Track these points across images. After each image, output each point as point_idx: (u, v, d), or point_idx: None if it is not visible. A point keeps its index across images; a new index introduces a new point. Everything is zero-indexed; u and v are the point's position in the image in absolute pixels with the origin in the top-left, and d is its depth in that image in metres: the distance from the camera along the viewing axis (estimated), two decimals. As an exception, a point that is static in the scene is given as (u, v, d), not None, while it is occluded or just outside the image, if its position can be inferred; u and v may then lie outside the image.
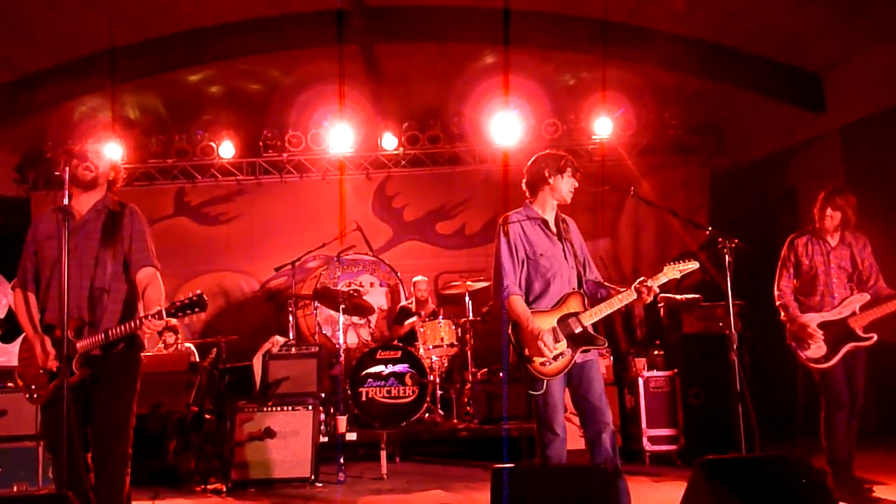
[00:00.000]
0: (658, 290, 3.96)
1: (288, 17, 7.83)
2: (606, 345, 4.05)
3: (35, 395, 3.74)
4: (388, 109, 9.58)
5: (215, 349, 7.16)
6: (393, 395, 7.26)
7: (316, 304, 8.31)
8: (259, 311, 9.81)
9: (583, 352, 3.94)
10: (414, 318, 8.09)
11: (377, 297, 9.36)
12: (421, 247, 9.94)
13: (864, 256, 5.23)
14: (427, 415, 7.37)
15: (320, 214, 9.63)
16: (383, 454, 6.70)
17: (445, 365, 7.77)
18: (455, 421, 7.45)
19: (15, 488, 6.10)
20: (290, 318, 8.09)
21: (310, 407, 6.40)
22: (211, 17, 7.76)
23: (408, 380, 7.28)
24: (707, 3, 7.41)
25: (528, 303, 4.03)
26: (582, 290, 4.06)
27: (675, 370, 6.99)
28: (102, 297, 3.73)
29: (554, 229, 4.16)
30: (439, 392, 7.52)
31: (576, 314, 3.96)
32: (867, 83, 7.69)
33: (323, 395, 6.97)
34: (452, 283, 8.10)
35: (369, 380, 7.29)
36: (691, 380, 6.86)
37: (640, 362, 7.16)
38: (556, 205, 4.21)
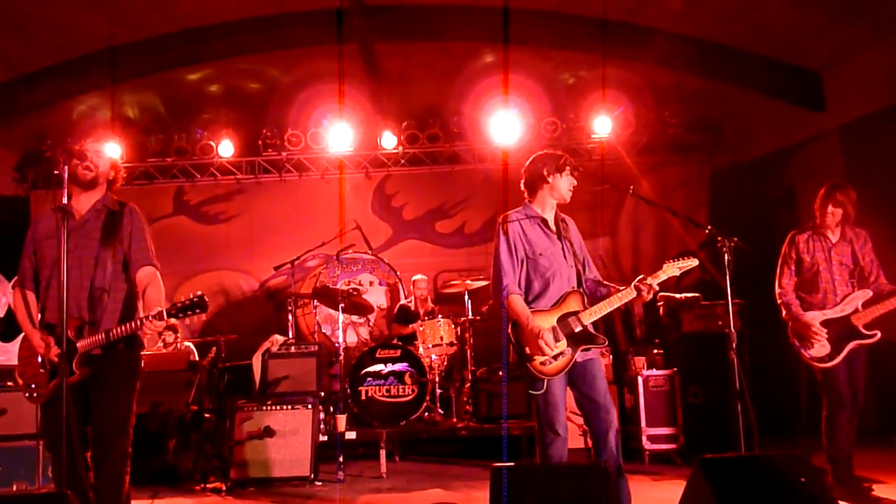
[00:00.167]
0: (658, 288, 3.95)
1: (287, 16, 7.82)
2: (606, 343, 4.04)
3: (35, 395, 3.74)
4: (388, 108, 9.57)
5: (215, 348, 7.15)
6: (392, 393, 7.26)
7: (315, 302, 8.30)
8: (258, 310, 9.81)
9: (583, 350, 3.94)
10: (417, 322, 8.08)
11: (376, 296, 9.36)
12: (420, 246, 9.94)
13: (865, 252, 5.19)
14: (426, 414, 7.37)
15: (319, 213, 9.63)
16: (383, 453, 6.70)
17: (445, 364, 7.77)
18: (454, 420, 7.44)
19: (14, 487, 6.10)
20: (290, 316, 8.10)
21: (309, 406, 6.40)
22: (210, 15, 7.76)
23: (407, 379, 7.28)
24: (706, 1, 7.41)
25: (528, 302, 4.03)
26: (581, 289, 4.05)
27: (675, 369, 6.99)
28: (102, 297, 3.73)
29: (553, 228, 4.15)
30: (439, 391, 7.52)
31: (575, 313, 3.96)
32: (867, 82, 7.69)
33: (322, 393, 6.98)
34: (452, 282, 8.09)
35: (369, 378, 7.30)
36: (691, 378, 6.87)
37: (640, 361, 7.16)
38: (556, 204, 4.21)
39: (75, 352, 3.59)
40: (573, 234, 4.23)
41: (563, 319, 3.94)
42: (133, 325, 3.64)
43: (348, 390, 7.27)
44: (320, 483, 6.22)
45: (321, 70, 8.45)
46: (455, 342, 7.60)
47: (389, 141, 9.56)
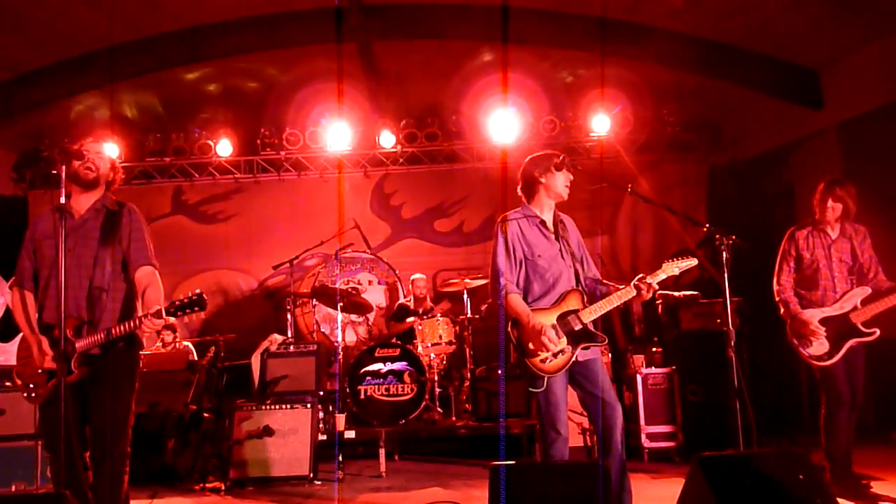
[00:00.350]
0: (657, 287, 3.96)
1: (285, 15, 7.81)
2: (606, 341, 4.04)
3: (33, 395, 3.74)
4: (386, 107, 9.57)
5: (213, 347, 7.16)
6: (391, 392, 7.26)
7: (314, 302, 8.30)
8: (257, 310, 9.81)
9: (583, 349, 3.94)
10: (414, 319, 8.09)
11: (375, 295, 9.35)
12: (419, 244, 9.95)
13: (864, 248, 5.15)
14: (426, 413, 7.37)
15: (318, 212, 9.64)
16: (382, 452, 6.70)
17: (444, 363, 7.77)
18: (454, 419, 7.45)
19: (13, 487, 6.10)
20: (289, 316, 8.09)
21: (308, 405, 6.40)
22: (208, 14, 7.75)
23: (406, 378, 7.28)
24: (704, 0, 7.41)
25: (528, 303, 4.04)
26: (581, 288, 4.06)
27: (674, 367, 7.00)
28: (101, 297, 3.73)
29: (551, 229, 4.16)
30: (438, 390, 7.52)
31: (575, 311, 3.96)
32: (864, 79, 7.69)
33: (321, 393, 6.97)
34: (450, 281, 8.09)
35: (368, 378, 7.29)
36: (689, 377, 6.87)
37: (639, 359, 7.16)
38: (554, 204, 4.21)
39: (74, 351, 3.59)
40: (571, 233, 4.24)
41: (562, 318, 3.95)
42: (132, 323, 3.64)
43: (347, 389, 7.27)
44: (319, 482, 6.22)
45: (319, 69, 8.45)
46: (454, 341, 7.60)
47: (388, 140, 9.57)
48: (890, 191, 6.93)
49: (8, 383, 6.24)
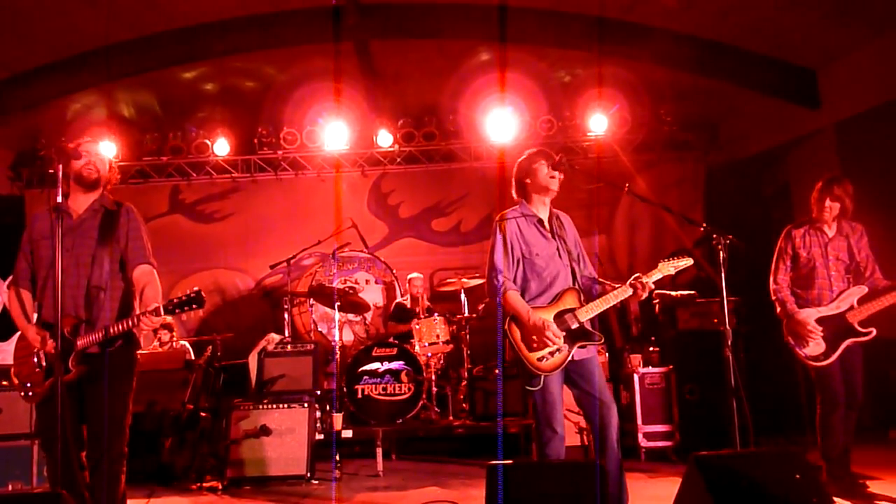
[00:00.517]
0: (653, 287, 3.98)
1: (282, 15, 7.81)
2: (602, 340, 4.05)
3: (30, 393, 3.73)
4: (384, 106, 9.57)
5: (211, 347, 7.15)
6: (389, 392, 7.26)
7: (311, 301, 8.30)
8: (254, 309, 9.81)
9: (579, 347, 3.94)
10: (415, 319, 8.09)
11: (372, 295, 9.36)
12: (416, 244, 9.95)
13: (861, 247, 5.12)
14: (423, 412, 7.37)
15: (315, 212, 9.63)
16: (379, 451, 6.70)
17: (441, 362, 7.77)
18: (451, 418, 7.45)
19: (10, 487, 6.09)
20: (286, 315, 8.08)
21: (305, 404, 6.40)
22: (205, 14, 7.74)
23: (404, 377, 7.28)
24: (701, -1, 7.44)
25: (525, 301, 4.03)
26: (577, 287, 4.06)
27: (671, 366, 7.00)
28: (99, 296, 3.73)
29: (548, 227, 4.16)
30: (435, 389, 7.52)
31: (572, 310, 3.97)
32: (862, 79, 7.70)
33: (319, 392, 6.97)
34: (448, 280, 8.10)
35: (365, 377, 7.30)
36: (686, 376, 6.88)
37: (636, 359, 7.17)
38: (549, 201, 4.21)
39: (72, 349, 3.59)
40: (568, 231, 4.24)
41: (559, 316, 3.95)
42: (130, 321, 3.64)
43: (344, 389, 7.27)
44: (317, 481, 6.21)
45: (317, 68, 8.44)
46: (451, 340, 7.61)
47: (385, 139, 9.57)
48: (886, 190, 6.94)
49: (5, 382, 6.23)
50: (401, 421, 7.16)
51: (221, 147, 9.58)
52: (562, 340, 3.89)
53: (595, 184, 8.64)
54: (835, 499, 3.51)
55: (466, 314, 7.76)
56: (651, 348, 7.34)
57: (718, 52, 8.26)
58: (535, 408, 3.97)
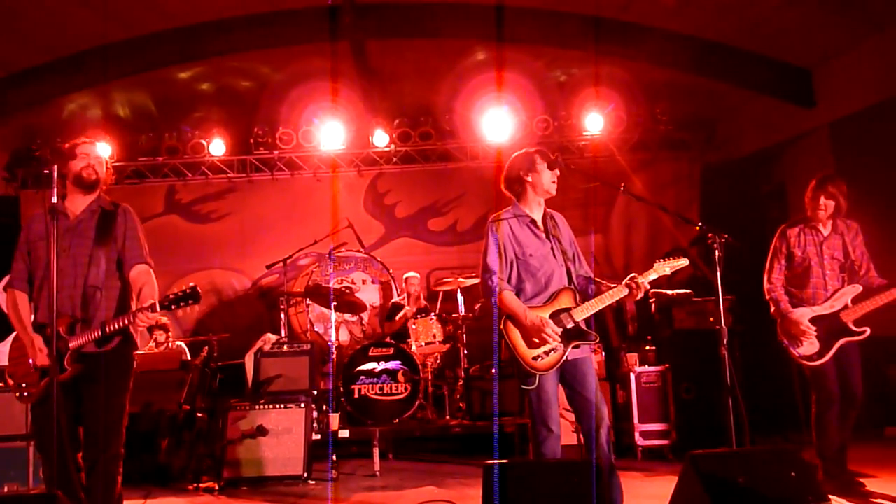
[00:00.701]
0: (648, 287, 3.98)
1: (278, 14, 7.80)
2: (598, 340, 4.05)
3: (26, 394, 3.73)
4: (380, 106, 9.57)
5: (207, 347, 7.15)
6: (385, 392, 7.26)
7: (308, 301, 8.29)
8: (251, 309, 9.81)
9: (574, 347, 3.95)
10: (405, 310, 8.10)
11: (369, 294, 9.35)
12: (413, 244, 9.95)
13: (856, 245, 5.11)
14: (420, 412, 7.37)
15: (312, 212, 9.63)
16: (376, 451, 6.69)
17: (438, 362, 7.78)
18: (448, 417, 7.46)
19: (6, 489, 6.08)
20: (282, 315, 8.07)
21: (302, 404, 6.39)
22: (201, 13, 7.73)
23: (400, 377, 7.28)
24: (697, -1, 7.45)
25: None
26: (573, 286, 4.06)
27: (667, 365, 7.01)
28: (95, 295, 3.74)
29: (542, 227, 4.15)
30: (431, 389, 7.53)
31: (567, 310, 3.97)
32: (857, 78, 7.72)
33: (315, 392, 6.97)
34: (444, 280, 8.10)
35: (362, 377, 7.30)
36: (682, 375, 6.89)
37: (632, 357, 7.18)
38: (543, 201, 4.21)
39: (66, 349, 3.59)
40: (563, 230, 4.23)
41: (555, 316, 3.95)
42: (126, 318, 3.64)
43: (341, 389, 7.27)
44: (313, 482, 6.21)
45: (313, 68, 8.43)
46: (448, 340, 7.61)
47: (381, 139, 9.57)
48: (881, 189, 6.96)
49: (0, 384, 6.22)
50: (397, 421, 7.16)
51: (217, 147, 9.57)
52: (557, 340, 3.89)
53: (591, 183, 8.65)
54: (830, 497, 3.52)
55: (463, 313, 7.76)
56: (647, 347, 7.35)
57: (714, 51, 8.27)
58: (530, 407, 3.97)
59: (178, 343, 7.81)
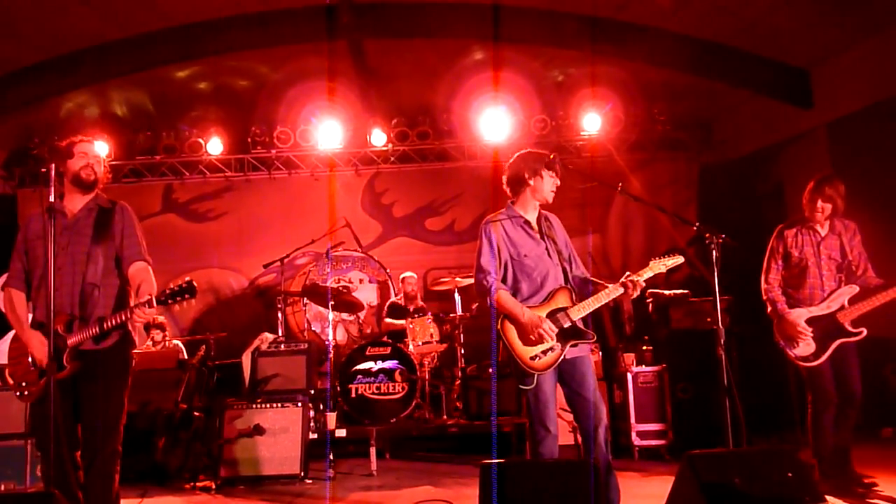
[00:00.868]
0: (644, 285, 3.99)
1: (276, 14, 7.80)
2: (595, 339, 4.05)
3: (25, 393, 3.73)
4: (377, 106, 9.57)
5: (204, 346, 7.15)
6: (382, 391, 7.25)
7: (305, 300, 8.28)
8: (248, 308, 9.80)
9: (571, 346, 3.95)
10: (407, 319, 8.09)
11: (366, 294, 9.35)
12: (410, 243, 9.96)
13: (854, 245, 5.11)
14: (417, 411, 7.37)
15: (309, 211, 9.63)
16: (373, 450, 6.70)
17: (435, 361, 7.77)
18: (445, 417, 7.45)
19: (3, 487, 6.07)
20: (279, 314, 8.07)
21: (299, 404, 6.40)
22: (199, 12, 7.72)
23: (397, 376, 7.28)
24: (695, -2, 7.45)
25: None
26: (569, 286, 4.07)
27: (664, 365, 7.02)
28: (93, 293, 3.74)
29: (536, 228, 4.16)
30: (429, 388, 7.52)
31: (564, 309, 3.97)
32: (854, 78, 7.73)
33: (312, 391, 6.96)
34: (442, 280, 8.10)
35: (359, 376, 7.29)
36: (679, 375, 6.89)
37: (629, 357, 7.19)
38: (539, 204, 4.22)
39: (65, 346, 3.59)
40: (557, 231, 4.24)
41: (552, 315, 3.95)
42: (124, 314, 3.64)
43: (338, 388, 7.27)
44: (310, 481, 6.21)
45: (310, 67, 8.43)
46: (445, 339, 7.61)
47: (379, 138, 9.57)
48: (878, 189, 6.96)
49: (-1, 382, 6.22)
50: (394, 420, 7.15)
51: (215, 146, 9.57)
52: (554, 339, 3.89)
53: (588, 183, 8.64)
54: (827, 497, 3.52)
55: (460, 313, 7.76)
56: (644, 347, 7.36)
57: (711, 51, 8.27)
58: (528, 407, 3.97)
59: (175, 342, 7.81)
